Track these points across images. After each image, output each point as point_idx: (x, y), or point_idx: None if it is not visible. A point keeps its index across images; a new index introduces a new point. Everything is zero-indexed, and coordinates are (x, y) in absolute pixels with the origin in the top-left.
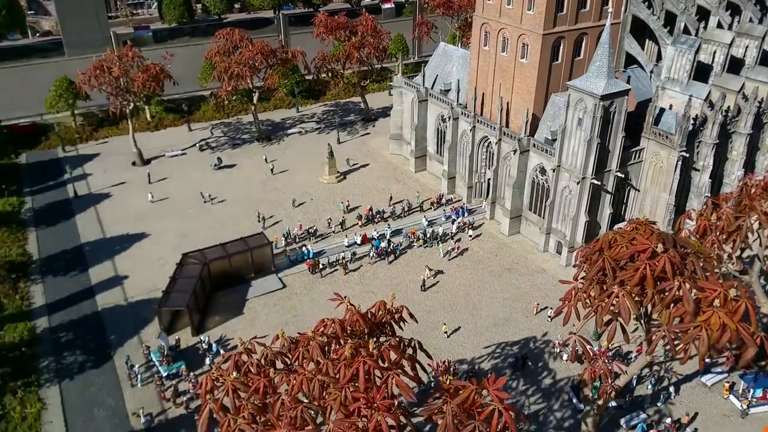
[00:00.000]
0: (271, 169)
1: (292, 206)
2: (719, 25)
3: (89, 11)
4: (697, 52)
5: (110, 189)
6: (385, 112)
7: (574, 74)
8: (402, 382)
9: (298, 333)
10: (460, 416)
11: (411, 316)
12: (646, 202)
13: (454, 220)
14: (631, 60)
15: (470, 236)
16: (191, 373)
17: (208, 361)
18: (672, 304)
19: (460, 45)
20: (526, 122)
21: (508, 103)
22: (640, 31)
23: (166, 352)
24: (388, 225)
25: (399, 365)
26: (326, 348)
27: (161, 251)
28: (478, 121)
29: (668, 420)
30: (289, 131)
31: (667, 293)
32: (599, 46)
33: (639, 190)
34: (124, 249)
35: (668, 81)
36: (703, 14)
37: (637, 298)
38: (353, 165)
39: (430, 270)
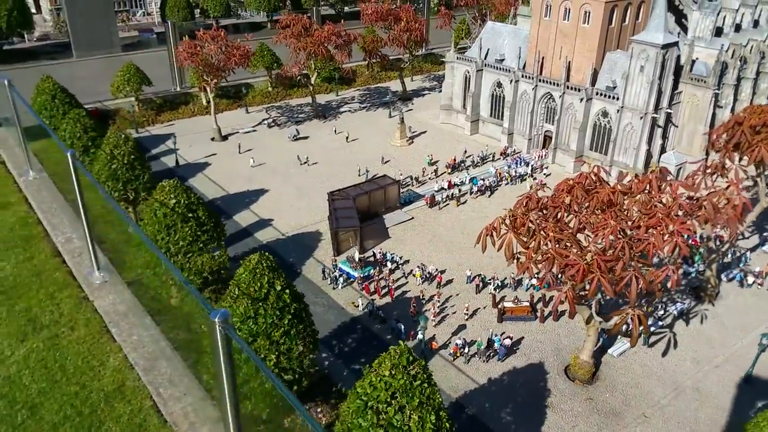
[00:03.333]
0: (347, 138)
1: (381, 162)
2: None
3: (98, 13)
4: (718, 15)
5: (205, 159)
6: (416, 93)
7: (621, 36)
8: None
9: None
10: None
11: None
12: (683, 136)
13: (528, 163)
14: None
15: (545, 175)
16: (381, 274)
17: (390, 266)
18: None
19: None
20: (591, 75)
21: (569, 62)
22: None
23: (357, 261)
24: (467, 172)
25: None
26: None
27: (288, 200)
28: (540, 81)
29: (757, 269)
30: (341, 110)
31: None
32: (656, 7)
33: (677, 126)
34: (253, 201)
35: (695, 39)
36: None
37: None
38: (413, 132)
39: None
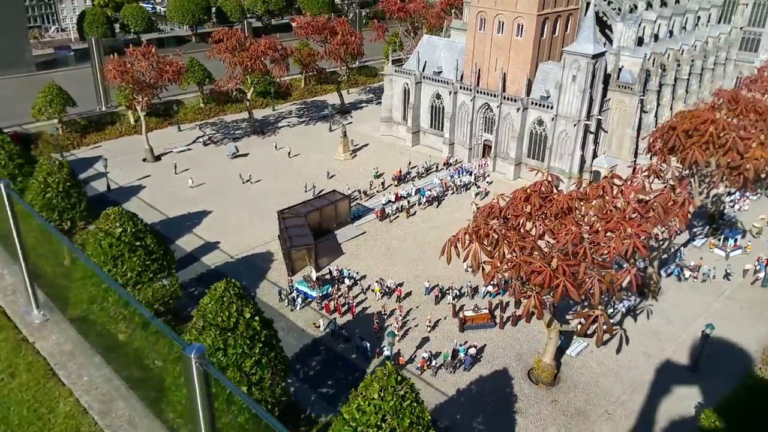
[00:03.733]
0: (289, 153)
1: (327, 177)
2: (648, 6)
3: (8, 29)
4: (639, 26)
5: (139, 182)
6: (354, 106)
7: (552, 48)
8: None
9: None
10: None
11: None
12: (613, 140)
13: (471, 173)
14: None
15: (488, 183)
16: (339, 292)
17: (348, 282)
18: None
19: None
20: (526, 85)
21: (505, 73)
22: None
23: (314, 281)
24: (413, 183)
25: None
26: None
27: (234, 221)
28: (477, 92)
29: (691, 263)
30: (279, 125)
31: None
32: (585, 20)
33: (607, 131)
34: (196, 224)
35: (620, 48)
36: None
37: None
38: (356, 145)
39: (477, 205)
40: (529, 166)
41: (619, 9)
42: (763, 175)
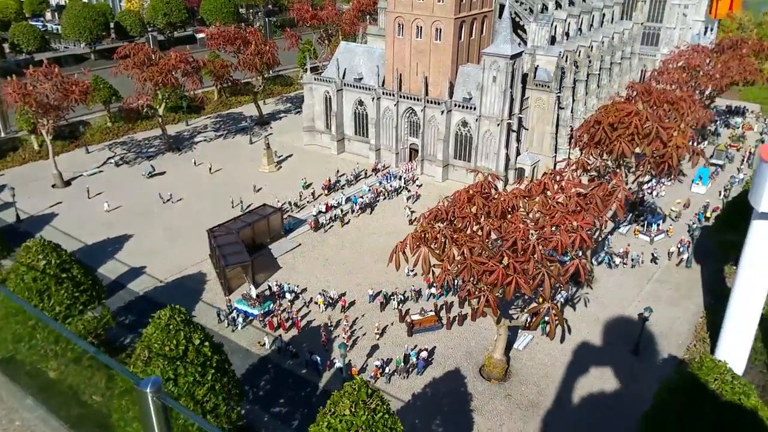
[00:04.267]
0: (210, 168)
1: (254, 191)
2: (558, 6)
3: None
4: (552, 25)
5: (50, 209)
6: (273, 116)
7: (470, 50)
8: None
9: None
10: None
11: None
12: (534, 137)
13: (400, 177)
14: None
15: (417, 186)
16: (281, 307)
17: (289, 297)
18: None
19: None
20: (449, 88)
21: (426, 77)
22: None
23: (254, 298)
24: (342, 192)
25: None
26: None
27: (158, 243)
28: (401, 97)
29: (621, 250)
30: (195, 140)
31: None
32: (502, 21)
33: (527, 129)
34: (117, 249)
35: (535, 48)
36: None
37: None
38: (279, 156)
39: (411, 209)
40: (456, 166)
41: (531, 9)
42: (681, 161)
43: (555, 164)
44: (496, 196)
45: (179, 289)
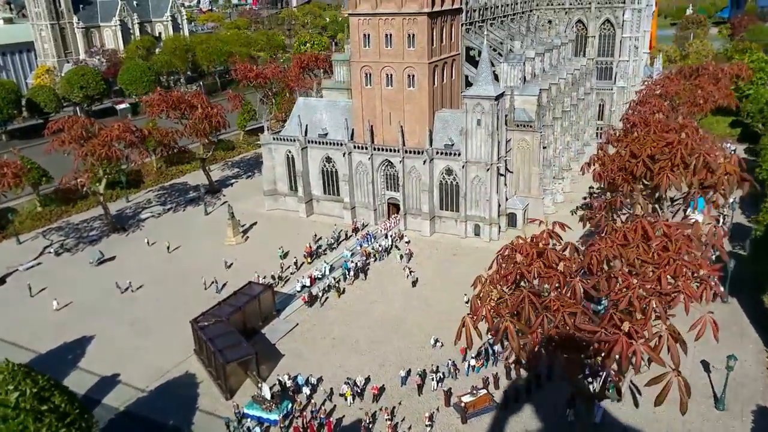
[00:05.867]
0: (168, 248)
1: (225, 267)
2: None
3: None
4: (523, 64)
5: None
6: (222, 183)
7: (444, 96)
8: None
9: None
10: None
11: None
12: (519, 180)
13: (386, 236)
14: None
15: (406, 242)
16: (300, 405)
17: (307, 391)
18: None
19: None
20: (429, 135)
21: (402, 126)
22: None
23: (269, 400)
24: (325, 261)
25: None
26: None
27: (126, 342)
28: (375, 149)
29: None
30: (142, 217)
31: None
32: (481, 62)
33: (512, 172)
34: (78, 356)
35: (507, 88)
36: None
37: None
38: (243, 225)
39: (410, 269)
40: (444, 218)
41: (499, 52)
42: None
43: (578, 208)
44: (583, 250)
45: (167, 398)
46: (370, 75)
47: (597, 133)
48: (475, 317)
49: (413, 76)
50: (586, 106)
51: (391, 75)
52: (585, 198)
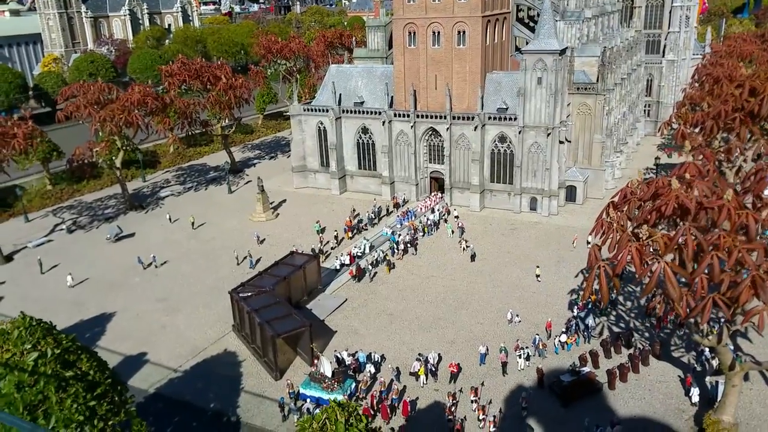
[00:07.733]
0: (192, 224)
1: (257, 243)
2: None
3: None
4: (582, 23)
5: None
6: (244, 164)
7: (495, 57)
8: None
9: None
10: None
11: None
12: (578, 149)
13: (434, 210)
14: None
15: (455, 217)
16: (369, 384)
17: (370, 369)
18: None
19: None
20: (481, 99)
21: (450, 89)
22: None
23: (330, 378)
24: (364, 238)
25: None
26: None
27: (153, 318)
28: (418, 116)
29: None
30: (161, 195)
31: None
32: (543, 13)
33: (570, 141)
34: (98, 334)
35: (570, 48)
36: None
37: None
38: (272, 203)
39: (467, 242)
40: (495, 191)
41: (555, 9)
42: None
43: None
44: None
45: (205, 379)
46: (414, 33)
47: (644, 110)
48: (618, 264)
49: (464, 32)
50: (637, 79)
51: (439, 32)
52: (653, 166)
